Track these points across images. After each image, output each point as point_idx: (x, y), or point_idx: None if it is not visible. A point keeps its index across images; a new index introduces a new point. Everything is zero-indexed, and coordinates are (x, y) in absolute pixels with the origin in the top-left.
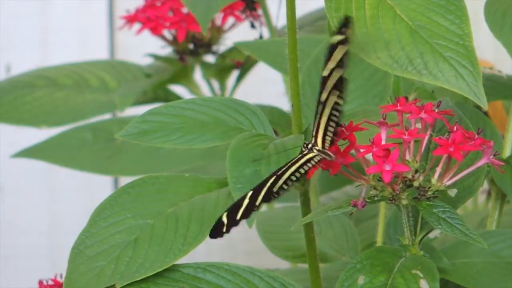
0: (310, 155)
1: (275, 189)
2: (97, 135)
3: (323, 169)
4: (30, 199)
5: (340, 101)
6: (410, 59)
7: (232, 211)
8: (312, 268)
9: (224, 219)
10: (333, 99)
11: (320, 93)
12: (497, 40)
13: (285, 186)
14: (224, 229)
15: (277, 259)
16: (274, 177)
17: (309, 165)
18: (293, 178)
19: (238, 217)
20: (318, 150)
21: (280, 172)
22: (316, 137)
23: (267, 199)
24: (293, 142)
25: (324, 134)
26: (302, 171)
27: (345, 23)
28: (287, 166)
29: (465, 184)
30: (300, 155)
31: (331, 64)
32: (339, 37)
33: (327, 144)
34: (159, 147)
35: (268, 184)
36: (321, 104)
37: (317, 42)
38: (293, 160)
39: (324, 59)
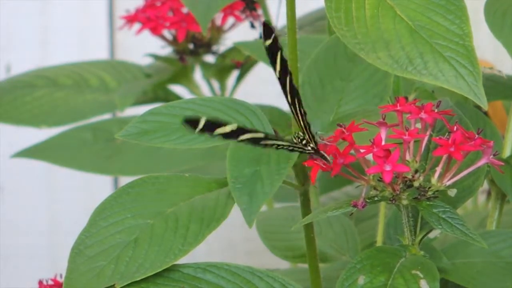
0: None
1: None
2: (97, 135)
3: (324, 170)
4: (30, 199)
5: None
6: (410, 59)
7: None
8: (312, 268)
9: None
10: (295, 97)
11: (286, 97)
12: (497, 40)
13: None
14: None
15: (277, 259)
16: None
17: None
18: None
19: None
20: (314, 150)
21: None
22: (306, 136)
23: None
24: None
25: (307, 132)
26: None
27: (267, 27)
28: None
29: (465, 184)
30: (294, 145)
31: (278, 67)
32: (269, 41)
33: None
34: (159, 147)
35: None
36: (292, 106)
37: (317, 42)
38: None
39: (272, 67)
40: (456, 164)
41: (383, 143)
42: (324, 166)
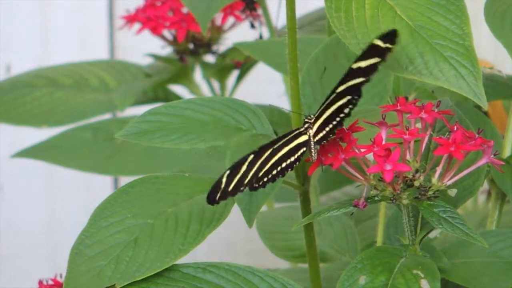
0: (302, 139)
1: (261, 174)
2: (97, 135)
3: (325, 164)
4: (30, 198)
5: (351, 105)
6: (410, 59)
7: (212, 191)
8: (312, 268)
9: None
10: (347, 97)
11: (340, 83)
12: (497, 40)
13: (271, 175)
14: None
15: (277, 259)
16: (260, 160)
17: (298, 153)
18: (282, 165)
19: (217, 197)
20: (310, 137)
21: (268, 153)
22: (315, 122)
23: (252, 187)
24: None
25: (322, 126)
26: (292, 159)
27: (391, 35)
28: (278, 145)
29: (465, 184)
30: (294, 133)
31: (363, 64)
32: (381, 43)
33: (317, 137)
34: (159, 147)
35: (255, 169)
36: (335, 94)
37: (317, 42)
38: (287, 138)
39: (360, 54)
40: (457, 164)
41: (383, 142)
42: (326, 161)
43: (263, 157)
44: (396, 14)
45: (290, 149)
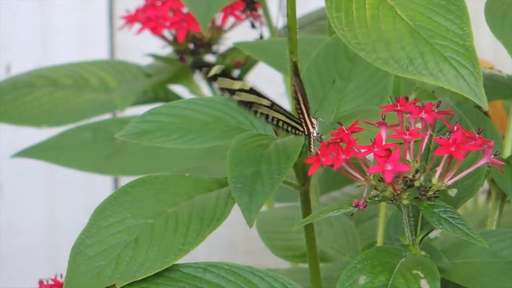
0: (301, 129)
1: (253, 108)
2: (97, 135)
3: (325, 164)
4: (30, 198)
5: None
6: (411, 59)
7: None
8: (312, 268)
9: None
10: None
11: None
12: (498, 40)
13: (263, 115)
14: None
15: (277, 259)
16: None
17: (295, 130)
18: (273, 121)
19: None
20: (310, 134)
21: (266, 102)
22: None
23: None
24: (293, 142)
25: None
26: (289, 123)
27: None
28: (279, 108)
29: (466, 184)
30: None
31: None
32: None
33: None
34: (159, 147)
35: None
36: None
37: (317, 42)
38: (290, 115)
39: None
40: (457, 164)
41: (383, 142)
42: (327, 162)
43: (258, 100)
44: (397, 14)
45: (290, 124)
